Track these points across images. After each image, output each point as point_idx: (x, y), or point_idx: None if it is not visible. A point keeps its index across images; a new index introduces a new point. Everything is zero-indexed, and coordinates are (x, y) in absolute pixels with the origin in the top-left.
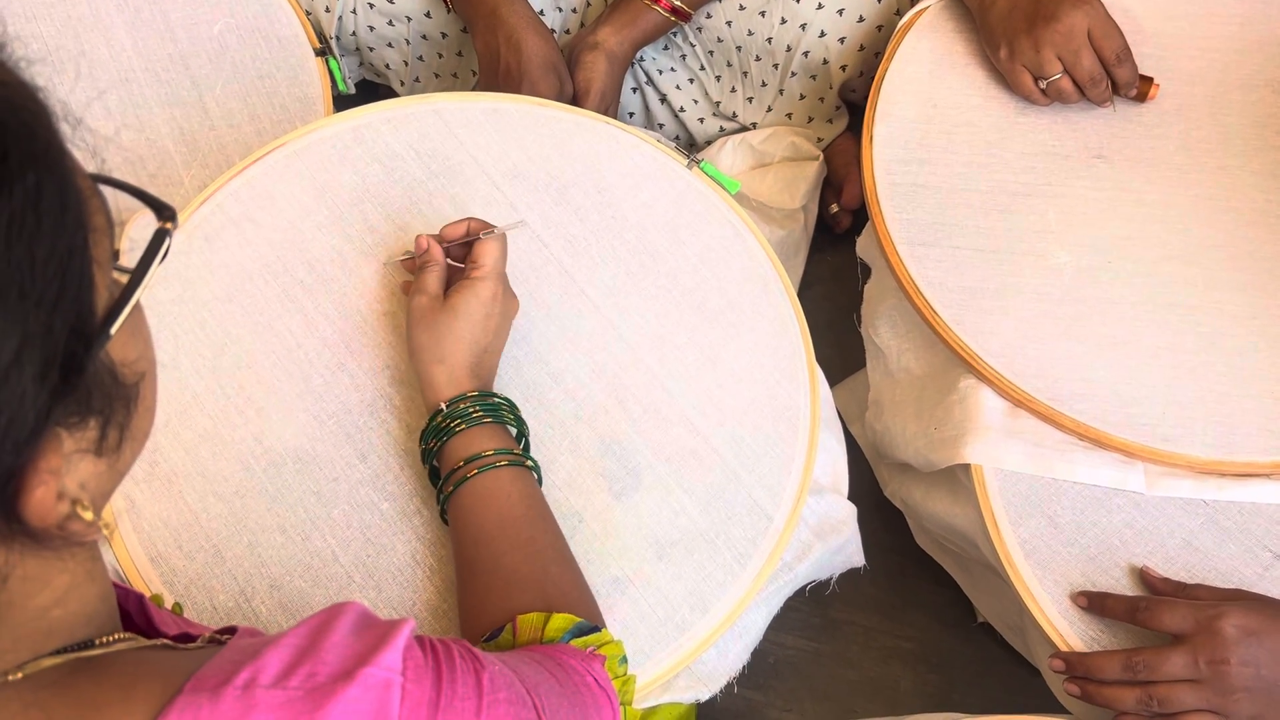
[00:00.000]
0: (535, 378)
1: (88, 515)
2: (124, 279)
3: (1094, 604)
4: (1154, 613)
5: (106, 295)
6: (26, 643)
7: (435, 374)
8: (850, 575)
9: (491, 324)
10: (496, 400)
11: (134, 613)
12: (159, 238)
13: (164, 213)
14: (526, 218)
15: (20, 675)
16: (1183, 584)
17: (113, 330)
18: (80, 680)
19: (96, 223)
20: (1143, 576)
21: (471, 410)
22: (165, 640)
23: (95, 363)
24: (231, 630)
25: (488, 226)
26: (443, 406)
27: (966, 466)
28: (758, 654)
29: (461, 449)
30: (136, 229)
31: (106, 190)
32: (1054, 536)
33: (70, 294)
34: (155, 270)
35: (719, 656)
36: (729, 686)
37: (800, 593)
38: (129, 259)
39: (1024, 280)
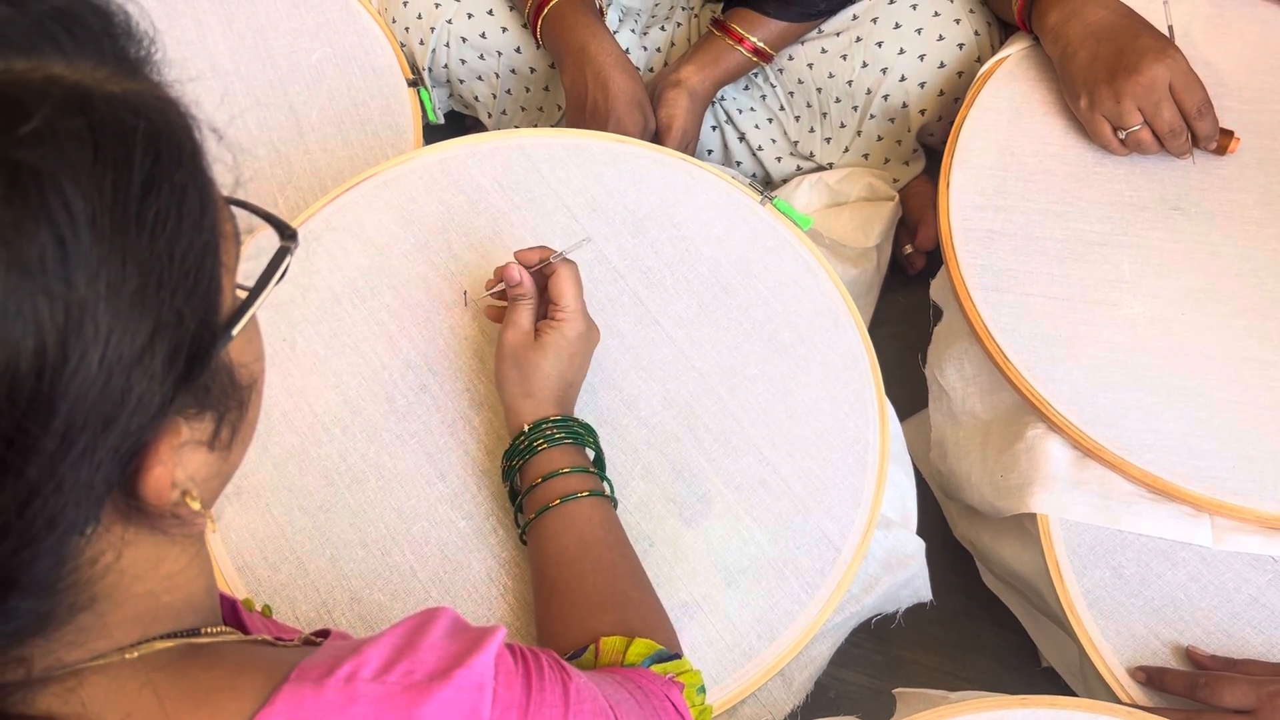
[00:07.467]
0: (609, 404)
1: (195, 505)
2: (243, 294)
3: (1152, 679)
4: (1214, 689)
5: (230, 299)
6: (137, 624)
7: (522, 405)
8: (914, 615)
9: (577, 360)
10: (577, 425)
11: (227, 618)
12: (280, 254)
13: (285, 232)
14: (604, 251)
15: (135, 654)
16: (1231, 660)
17: (235, 331)
18: (190, 665)
19: (226, 230)
20: (1189, 655)
21: (553, 432)
22: (265, 637)
23: (216, 359)
24: (324, 633)
25: (554, 252)
26: (525, 429)
27: (1033, 515)
28: (819, 687)
29: (541, 467)
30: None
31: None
32: (1118, 588)
33: (201, 290)
34: (275, 283)
35: (784, 685)
36: (793, 715)
37: (864, 628)
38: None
39: (1096, 329)
